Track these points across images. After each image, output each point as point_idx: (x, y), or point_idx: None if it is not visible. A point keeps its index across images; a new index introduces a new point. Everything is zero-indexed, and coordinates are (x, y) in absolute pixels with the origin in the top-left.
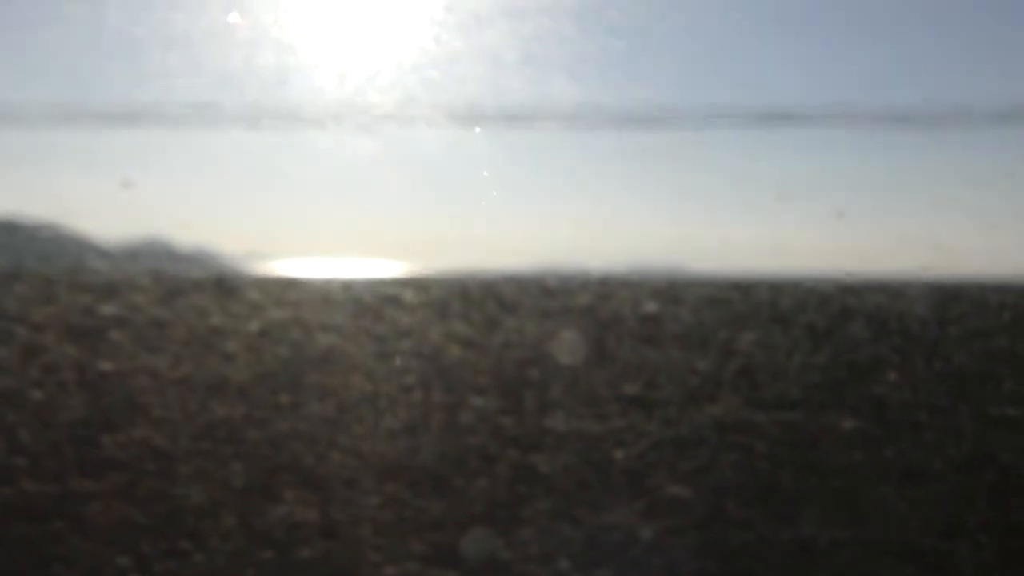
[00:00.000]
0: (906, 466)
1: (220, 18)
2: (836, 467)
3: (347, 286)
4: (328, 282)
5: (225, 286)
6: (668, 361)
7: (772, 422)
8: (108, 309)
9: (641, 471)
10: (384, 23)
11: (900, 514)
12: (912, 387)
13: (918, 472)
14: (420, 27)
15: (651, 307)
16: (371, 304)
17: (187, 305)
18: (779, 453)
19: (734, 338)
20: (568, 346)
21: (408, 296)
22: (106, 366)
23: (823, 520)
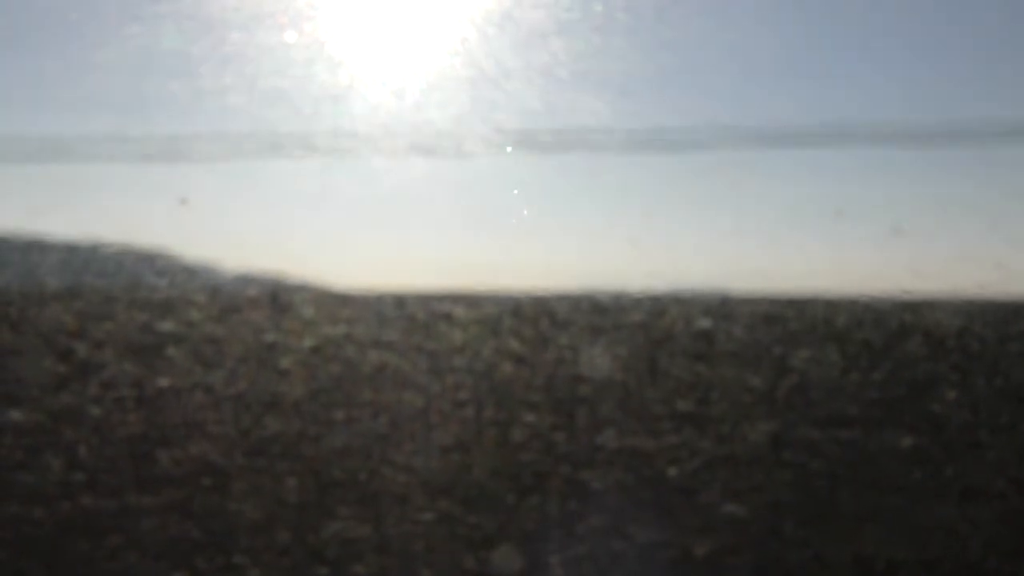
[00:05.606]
0: (966, 485)
1: (275, 37)
2: (895, 485)
3: (400, 303)
4: (380, 299)
5: (279, 303)
6: (721, 378)
7: (829, 439)
8: (165, 326)
9: (695, 488)
10: (437, 40)
11: (960, 533)
12: (971, 405)
13: (978, 491)
14: (473, 44)
15: (704, 324)
16: (424, 321)
17: (242, 321)
18: (837, 471)
19: (789, 355)
20: (619, 363)
21: (460, 313)
22: (163, 382)
23: (882, 539)
